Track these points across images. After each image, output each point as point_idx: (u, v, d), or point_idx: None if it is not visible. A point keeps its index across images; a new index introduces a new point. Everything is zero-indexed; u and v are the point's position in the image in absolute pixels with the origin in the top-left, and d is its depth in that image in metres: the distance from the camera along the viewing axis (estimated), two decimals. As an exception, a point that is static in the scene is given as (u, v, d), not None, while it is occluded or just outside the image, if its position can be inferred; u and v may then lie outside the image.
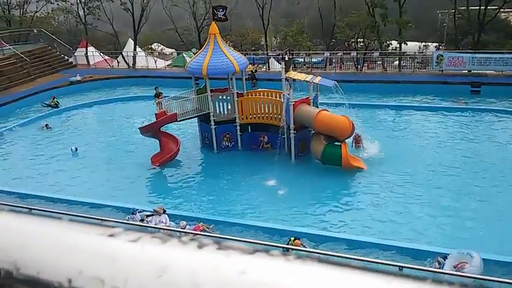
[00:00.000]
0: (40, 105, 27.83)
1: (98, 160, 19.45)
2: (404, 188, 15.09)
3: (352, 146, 17.61)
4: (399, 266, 6.22)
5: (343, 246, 11.63)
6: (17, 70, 32.66)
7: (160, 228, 11.63)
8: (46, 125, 23.58)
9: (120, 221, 8.13)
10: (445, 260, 9.93)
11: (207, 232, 12.78)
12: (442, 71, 28.23)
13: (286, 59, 17.49)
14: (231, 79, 18.68)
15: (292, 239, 10.75)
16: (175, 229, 11.97)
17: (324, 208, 14.21)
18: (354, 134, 17.20)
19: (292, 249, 7.68)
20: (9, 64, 32.57)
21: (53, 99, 27.96)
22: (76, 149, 20.25)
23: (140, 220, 13.21)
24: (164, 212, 13.08)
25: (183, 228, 12.39)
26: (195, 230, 12.57)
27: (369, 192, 15.04)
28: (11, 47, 35.11)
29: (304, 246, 10.57)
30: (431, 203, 13.96)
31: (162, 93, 22.55)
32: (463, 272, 8.80)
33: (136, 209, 13.64)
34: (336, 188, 15.47)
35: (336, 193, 15.17)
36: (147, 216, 13.22)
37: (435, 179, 15.54)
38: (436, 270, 7.37)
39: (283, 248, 6.96)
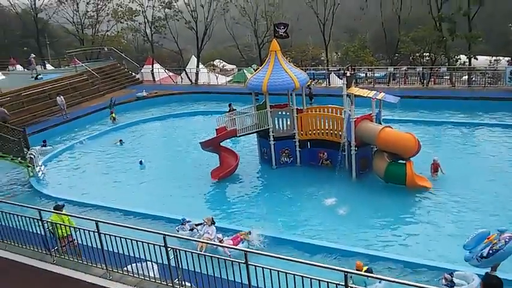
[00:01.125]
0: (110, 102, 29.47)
1: (160, 173, 20.00)
2: (470, 210, 14.14)
3: (430, 175, 16.54)
4: None
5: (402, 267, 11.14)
6: (88, 86, 34.60)
7: (198, 241, 11.65)
8: (120, 140, 24.48)
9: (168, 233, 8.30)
10: (451, 275, 9.84)
11: (247, 240, 12.69)
12: (516, 86, 26.48)
13: (348, 74, 17.15)
14: (291, 95, 18.59)
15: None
16: (216, 243, 11.94)
17: (386, 230, 13.60)
18: (432, 161, 16.41)
19: (354, 273, 7.27)
20: (82, 80, 34.61)
21: (111, 113, 29.28)
22: (141, 162, 21.00)
23: (190, 229, 13.68)
24: (213, 223, 13.22)
25: (221, 242, 12.34)
26: (235, 242, 12.58)
27: (434, 213, 14.22)
28: (83, 64, 37.35)
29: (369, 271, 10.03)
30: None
31: (235, 110, 22.36)
32: None
33: (186, 220, 14.05)
34: (400, 208, 14.78)
35: (399, 213, 14.49)
36: (197, 225, 13.64)
37: (502, 204, 14.39)
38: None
39: (345, 272, 6.61)
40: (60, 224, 10.31)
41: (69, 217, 11.21)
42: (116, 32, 47.65)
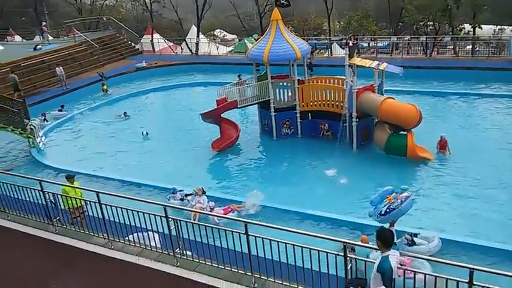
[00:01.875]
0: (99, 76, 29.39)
1: (160, 143, 20.02)
2: (473, 183, 14.12)
3: (436, 152, 16.16)
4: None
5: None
6: (88, 56, 34.23)
7: (191, 211, 11.90)
8: (124, 113, 24.16)
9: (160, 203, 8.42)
10: (413, 236, 10.49)
11: (240, 213, 12.88)
12: (520, 57, 26.13)
13: (350, 44, 16.88)
14: (292, 65, 18.37)
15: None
16: (207, 213, 12.12)
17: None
18: (439, 138, 16.05)
19: (352, 244, 7.33)
20: (81, 51, 34.22)
21: (102, 85, 29.16)
22: (147, 133, 20.96)
23: (180, 199, 13.84)
24: (204, 193, 13.45)
25: (212, 210, 12.62)
26: (225, 212, 12.79)
27: (435, 185, 14.25)
28: (82, 34, 36.84)
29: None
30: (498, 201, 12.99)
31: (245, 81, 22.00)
32: None
33: (177, 189, 14.24)
34: (400, 180, 14.75)
35: (399, 185, 14.45)
36: (187, 195, 13.84)
37: (505, 176, 14.37)
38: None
39: (344, 242, 6.66)
40: (74, 197, 10.42)
41: (80, 189, 11.32)
42: (114, 1, 46.84)
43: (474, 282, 5.65)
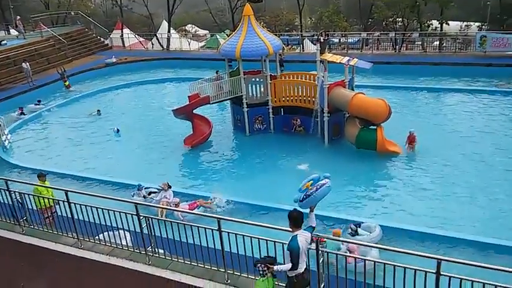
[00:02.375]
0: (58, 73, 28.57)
1: (133, 140, 19.71)
2: (441, 174, 14.51)
3: (404, 146, 16.29)
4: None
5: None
6: (55, 52, 33.35)
7: (155, 206, 11.87)
8: (98, 110, 23.37)
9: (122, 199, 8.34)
10: (357, 226, 11.19)
11: (207, 208, 12.86)
12: (485, 52, 26.91)
13: (322, 40, 17.01)
14: (264, 61, 18.39)
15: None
16: (172, 208, 12.01)
17: (356, 193, 13.88)
18: (408, 133, 16.15)
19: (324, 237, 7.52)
20: (48, 46, 33.31)
21: (64, 82, 28.57)
22: (118, 130, 20.58)
23: (143, 196, 13.81)
24: (169, 187, 13.51)
25: (177, 206, 12.59)
26: (191, 207, 12.76)
27: (403, 178, 14.56)
28: (49, 29, 35.87)
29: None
30: (465, 193, 13.38)
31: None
32: None
33: (142, 186, 14.17)
34: (370, 173, 15.04)
35: (369, 178, 14.75)
36: (150, 193, 13.88)
37: (472, 167, 14.85)
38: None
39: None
40: (46, 197, 10.11)
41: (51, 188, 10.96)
42: (83, -5, 45.81)
43: (441, 273, 5.81)
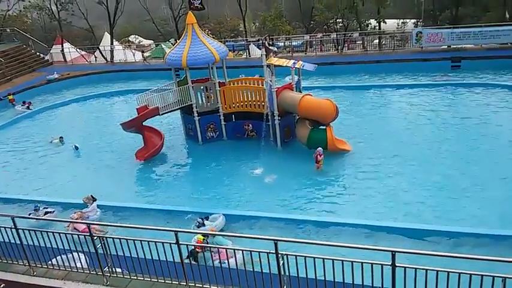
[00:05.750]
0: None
1: (81, 157, 19.15)
2: (391, 169, 15.06)
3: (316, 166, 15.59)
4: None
5: (332, 229, 11.69)
6: (-8, 71, 31.80)
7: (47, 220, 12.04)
8: (61, 137, 20.89)
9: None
10: (203, 220, 12.30)
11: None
12: (422, 47, 28.24)
13: (267, 45, 17.21)
14: (212, 68, 18.38)
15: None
16: (70, 220, 11.89)
17: (311, 193, 14.12)
18: (316, 152, 15.60)
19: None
20: (-17, 66, 31.69)
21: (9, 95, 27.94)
22: (77, 147, 19.83)
23: (45, 214, 13.73)
24: (94, 200, 13.85)
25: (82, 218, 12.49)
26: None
27: (356, 175, 14.99)
28: (-17, 48, 34.16)
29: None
30: (419, 183, 14.02)
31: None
32: None
33: (39, 207, 14.10)
34: (322, 172, 15.37)
35: (321, 177, 15.07)
36: (46, 213, 13.75)
37: (420, 156, 15.62)
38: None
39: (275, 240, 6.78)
40: None
41: None
42: (18, 11, 43.84)
43: (397, 264, 6.00)
